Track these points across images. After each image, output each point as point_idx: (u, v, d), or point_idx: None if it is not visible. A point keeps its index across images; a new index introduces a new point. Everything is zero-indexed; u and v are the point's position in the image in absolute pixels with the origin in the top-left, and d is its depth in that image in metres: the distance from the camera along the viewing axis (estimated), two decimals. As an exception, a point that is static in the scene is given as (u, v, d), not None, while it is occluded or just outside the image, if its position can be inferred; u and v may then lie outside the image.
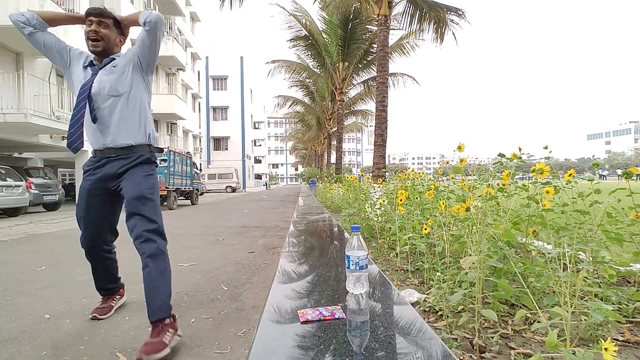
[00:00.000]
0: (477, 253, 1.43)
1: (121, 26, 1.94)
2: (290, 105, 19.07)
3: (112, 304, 2.18)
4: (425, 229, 1.97)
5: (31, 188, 10.11)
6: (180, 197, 13.10)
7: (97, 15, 1.83)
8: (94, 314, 2.05)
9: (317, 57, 12.16)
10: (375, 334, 0.82)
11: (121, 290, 2.31)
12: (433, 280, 1.84)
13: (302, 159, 56.50)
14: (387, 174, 6.07)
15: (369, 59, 11.68)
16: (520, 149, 1.89)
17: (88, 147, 1.93)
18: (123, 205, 1.96)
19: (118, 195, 1.91)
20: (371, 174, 6.35)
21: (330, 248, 1.85)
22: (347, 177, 10.66)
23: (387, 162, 6.26)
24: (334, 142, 19.46)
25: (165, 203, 11.58)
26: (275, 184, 64.34)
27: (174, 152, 12.13)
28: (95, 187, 1.89)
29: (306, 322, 0.92)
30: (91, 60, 1.90)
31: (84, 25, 1.87)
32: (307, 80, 15.48)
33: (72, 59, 1.92)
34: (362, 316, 0.90)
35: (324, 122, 19.34)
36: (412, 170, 4.12)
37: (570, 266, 1.18)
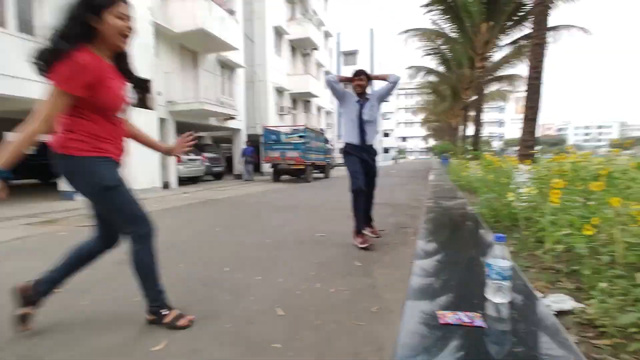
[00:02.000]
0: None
1: (370, 77, 3.50)
2: (423, 76, 17.97)
3: (366, 238, 3.36)
4: (589, 229, 1.69)
5: (205, 161, 12.72)
6: (315, 171, 14.24)
7: (360, 74, 3.43)
8: (364, 245, 3.25)
9: (455, 20, 10.97)
10: (516, 350, 0.80)
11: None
12: (595, 290, 1.59)
13: (433, 131, 53.13)
14: (538, 152, 5.22)
15: (520, 14, 9.88)
16: None
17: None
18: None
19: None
20: (517, 153, 5.56)
21: (467, 243, 1.79)
22: (487, 156, 9.59)
23: (540, 134, 5.35)
24: (471, 113, 17.59)
25: (302, 176, 12.87)
26: (403, 157, 62.81)
27: (310, 129, 13.18)
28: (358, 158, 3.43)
29: (445, 324, 0.96)
30: (358, 99, 3.44)
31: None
32: (443, 47, 14.22)
33: (346, 96, 3.48)
34: (503, 327, 0.88)
35: (459, 91, 17.60)
36: (573, 150, 3.46)
37: None
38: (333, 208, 6.01)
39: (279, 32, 18.02)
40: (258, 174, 16.84)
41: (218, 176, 14.29)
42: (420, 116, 45.40)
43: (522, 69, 15.65)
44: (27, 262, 3.13)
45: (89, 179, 1.54)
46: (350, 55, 37.31)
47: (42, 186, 11.65)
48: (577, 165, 3.25)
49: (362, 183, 3.30)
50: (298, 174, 13.00)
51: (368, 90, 3.51)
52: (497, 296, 0.89)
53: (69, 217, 5.60)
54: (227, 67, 14.17)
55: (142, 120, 8.92)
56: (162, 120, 10.30)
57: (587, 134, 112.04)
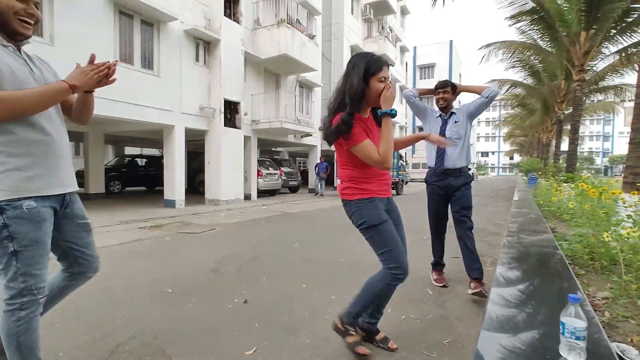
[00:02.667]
0: None
1: (458, 89, 3.00)
2: (507, 90, 16.71)
3: (443, 277, 3.12)
4: (700, 286, 1.52)
5: (282, 175, 13.57)
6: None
7: (444, 86, 2.93)
8: (440, 284, 3.03)
9: (547, 30, 10.08)
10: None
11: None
12: None
13: (519, 146, 48.47)
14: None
15: (629, 20, 8.71)
16: None
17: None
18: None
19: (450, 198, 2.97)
20: (622, 180, 4.91)
21: (546, 291, 1.72)
22: (584, 177, 8.52)
23: None
24: (567, 127, 15.71)
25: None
26: (484, 174, 58.28)
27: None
28: (437, 188, 3.00)
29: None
30: (440, 115, 3.01)
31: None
32: (533, 58, 13.11)
33: (427, 112, 3.07)
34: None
35: (552, 105, 15.92)
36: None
37: None
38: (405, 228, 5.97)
39: (355, 51, 18.53)
40: (331, 188, 17.31)
41: (294, 189, 15.09)
42: (504, 130, 41.86)
43: (633, 77, 13.59)
44: (146, 263, 3.79)
45: (357, 218, 1.80)
46: (426, 68, 36.40)
47: (149, 193, 13.65)
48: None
49: (436, 223, 3.07)
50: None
51: (455, 105, 3.07)
52: (571, 355, 0.91)
53: (171, 223, 6.53)
54: (306, 86, 15.02)
55: (230, 137, 9.97)
56: (247, 138, 11.35)
57: None
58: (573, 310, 0.96)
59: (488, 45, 11.70)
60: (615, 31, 9.34)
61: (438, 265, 3.16)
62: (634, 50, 9.70)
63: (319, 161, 14.37)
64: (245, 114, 10.91)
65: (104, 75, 1.35)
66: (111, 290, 2.83)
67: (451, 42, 35.40)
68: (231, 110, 10.30)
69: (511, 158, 68.66)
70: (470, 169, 3.02)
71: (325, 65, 16.56)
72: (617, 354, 1.63)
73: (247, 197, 11.34)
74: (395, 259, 1.76)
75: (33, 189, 1.27)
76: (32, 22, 1.32)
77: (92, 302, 2.55)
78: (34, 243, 1.27)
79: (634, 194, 4.11)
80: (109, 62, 1.37)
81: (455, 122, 2.92)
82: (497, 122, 41.78)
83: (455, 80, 40.43)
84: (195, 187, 13.49)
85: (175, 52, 8.81)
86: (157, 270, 3.47)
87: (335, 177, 15.59)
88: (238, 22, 10.29)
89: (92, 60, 1.38)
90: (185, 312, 2.45)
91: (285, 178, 13.82)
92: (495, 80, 15.86)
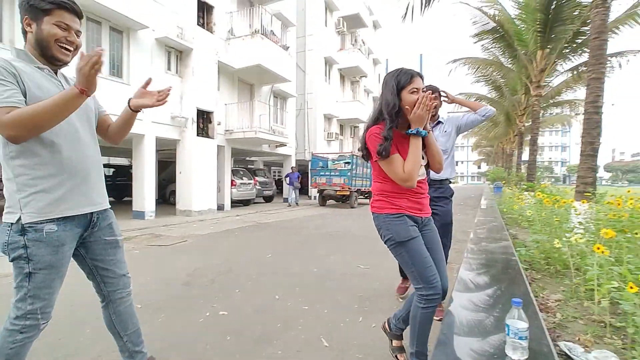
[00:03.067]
0: None
1: (451, 101, 2.75)
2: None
3: (407, 285, 3.03)
4: (632, 287, 1.70)
5: (256, 185, 13.48)
6: (360, 197, 14.37)
7: (433, 92, 2.53)
8: (397, 294, 2.99)
9: (507, 48, 10.79)
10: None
11: None
12: (636, 350, 1.59)
13: (486, 156, 50.75)
14: (596, 191, 4.93)
15: (579, 42, 9.48)
16: None
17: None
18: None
19: None
20: (575, 189, 5.29)
21: (500, 296, 1.85)
22: (543, 186, 9.08)
23: (611, 159, 5.04)
24: (528, 138, 16.67)
25: (348, 202, 13.08)
26: (454, 182, 60.23)
27: (356, 155, 13.45)
28: None
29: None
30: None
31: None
32: (495, 73, 13.92)
33: None
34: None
35: (514, 117, 16.89)
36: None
37: None
38: (376, 237, 6.09)
39: (329, 62, 18.87)
40: (306, 197, 17.34)
41: (268, 199, 14.99)
42: (472, 140, 43.74)
43: (584, 93, 14.71)
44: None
45: (384, 233, 1.74)
46: (398, 80, 37.47)
47: (116, 204, 13.10)
48: (637, 210, 3.11)
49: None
50: (343, 200, 13.25)
51: (442, 114, 2.82)
52: (516, 354, 1.01)
53: (140, 235, 6.32)
54: (280, 96, 15.10)
55: (202, 147, 9.83)
56: (220, 147, 11.21)
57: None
58: (516, 313, 1.07)
59: (455, 61, 12.31)
60: (567, 51, 10.13)
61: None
62: (584, 68, 10.53)
63: (290, 171, 14.39)
64: (219, 124, 10.81)
65: (96, 63, 1.24)
66: (75, 308, 2.72)
67: (421, 55, 36.84)
68: (204, 119, 10.18)
69: (479, 167, 71.62)
70: (451, 182, 2.85)
71: (300, 76, 16.74)
72: (565, 352, 1.78)
73: (221, 207, 11.16)
74: (422, 278, 1.61)
75: (58, 211, 1.30)
76: (72, 49, 1.37)
77: (54, 320, 2.42)
78: (48, 267, 1.29)
79: (583, 202, 4.45)
80: (97, 49, 1.29)
81: (446, 131, 2.72)
82: (465, 133, 43.57)
83: (425, 93, 41.99)
84: (166, 197, 13.11)
85: (146, 60, 8.64)
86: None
87: (309, 187, 15.63)
88: (211, 32, 10.26)
89: (146, 84, 1.50)
90: (155, 327, 2.40)
91: (259, 188, 13.73)
92: (462, 93, 16.66)
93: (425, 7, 7.15)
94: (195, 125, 9.58)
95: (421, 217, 1.75)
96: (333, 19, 19.75)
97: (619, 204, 3.15)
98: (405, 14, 7.76)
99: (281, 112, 15.14)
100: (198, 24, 9.76)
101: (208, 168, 10.06)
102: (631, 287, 1.70)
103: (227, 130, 11.56)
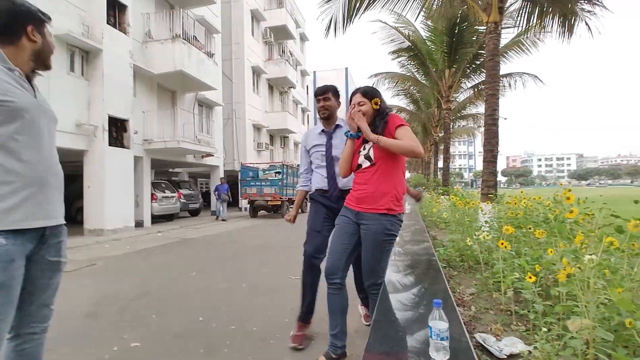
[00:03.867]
0: (587, 316, 1.36)
1: (339, 95, 2.46)
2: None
3: (306, 332, 2.38)
4: (531, 277, 1.90)
5: (181, 198, 12.57)
6: (291, 206, 14.33)
7: (325, 92, 2.42)
8: (294, 344, 2.23)
9: (421, 66, 11.89)
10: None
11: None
12: (537, 334, 1.77)
13: (407, 164, 54.82)
14: (498, 193, 5.61)
15: (478, 63, 10.87)
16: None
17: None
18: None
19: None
20: (480, 192, 5.95)
21: (423, 297, 1.94)
22: (457, 190, 10.07)
23: (506, 165, 5.76)
24: (442, 147, 18.49)
25: (279, 211, 12.95)
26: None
27: (287, 165, 13.44)
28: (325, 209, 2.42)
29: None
30: (324, 129, 2.44)
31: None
32: (412, 88, 15.21)
33: (308, 135, 2.61)
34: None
35: (430, 128, 18.61)
36: (523, 195, 3.79)
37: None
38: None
39: (257, 72, 18.68)
40: (236, 209, 16.70)
41: (195, 213, 14.08)
42: (395, 150, 46.90)
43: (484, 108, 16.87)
44: None
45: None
46: (326, 92, 38.75)
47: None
48: (529, 208, 3.56)
49: (318, 247, 2.41)
50: (275, 210, 13.08)
51: (340, 117, 2.49)
52: (440, 355, 1.04)
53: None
54: (206, 105, 14.43)
55: (116, 158, 8.86)
56: (138, 158, 10.23)
57: (549, 165, 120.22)
58: (437, 314, 1.09)
59: (376, 75, 13.12)
60: (469, 70, 11.50)
61: (303, 318, 2.50)
62: (482, 87, 12.07)
63: (219, 183, 13.79)
64: (136, 133, 9.88)
65: None
66: None
67: (346, 69, 38.67)
68: (118, 127, 9.20)
69: (401, 174, 77.20)
70: None
71: (227, 85, 16.24)
72: (481, 343, 1.91)
73: (140, 224, 10.13)
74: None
75: (8, 222, 1.10)
76: None
77: None
78: None
79: (488, 203, 5.02)
80: None
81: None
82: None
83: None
84: (72, 215, 11.48)
85: (43, 59, 7.53)
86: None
87: (240, 199, 15.05)
88: (125, 33, 9.39)
89: None
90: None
91: (184, 201, 12.82)
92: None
93: (346, 24, 7.49)
94: (107, 134, 8.59)
95: (356, 210, 2.00)
96: (260, 29, 19.68)
97: (515, 203, 3.59)
98: (328, 29, 8.02)
99: (207, 121, 14.46)
100: (109, 23, 8.85)
101: (123, 181, 9.07)
102: (530, 277, 1.90)
103: (145, 140, 10.62)
